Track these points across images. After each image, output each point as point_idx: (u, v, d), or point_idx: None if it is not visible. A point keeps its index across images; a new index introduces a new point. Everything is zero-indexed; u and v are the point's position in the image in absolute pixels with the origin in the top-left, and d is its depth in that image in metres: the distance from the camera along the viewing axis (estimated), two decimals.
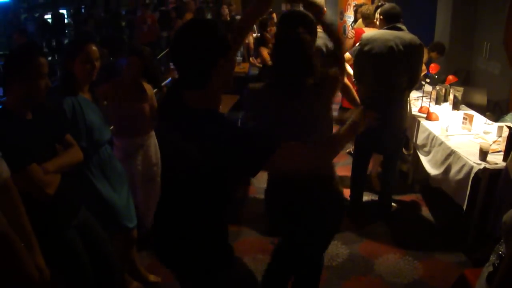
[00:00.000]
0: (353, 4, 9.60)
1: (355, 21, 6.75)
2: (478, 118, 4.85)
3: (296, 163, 1.87)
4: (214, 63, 1.80)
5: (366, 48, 4.28)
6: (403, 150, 5.35)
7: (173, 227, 2.09)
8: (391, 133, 4.43)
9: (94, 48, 2.96)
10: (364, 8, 5.79)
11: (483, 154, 3.87)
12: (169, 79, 6.56)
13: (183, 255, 2.07)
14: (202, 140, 1.77)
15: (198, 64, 1.81)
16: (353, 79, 4.88)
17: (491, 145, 4.03)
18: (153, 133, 3.89)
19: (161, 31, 11.00)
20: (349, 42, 5.68)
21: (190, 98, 1.89)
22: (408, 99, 4.65)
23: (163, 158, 2.15)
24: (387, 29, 4.26)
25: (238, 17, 10.97)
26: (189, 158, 1.85)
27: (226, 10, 9.69)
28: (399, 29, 4.23)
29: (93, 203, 2.91)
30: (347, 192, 5.03)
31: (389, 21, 4.29)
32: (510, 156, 3.34)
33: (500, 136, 4.24)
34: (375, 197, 5.03)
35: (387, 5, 4.42)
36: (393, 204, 4.87)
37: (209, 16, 11.84)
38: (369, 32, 4.51)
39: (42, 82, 2.39)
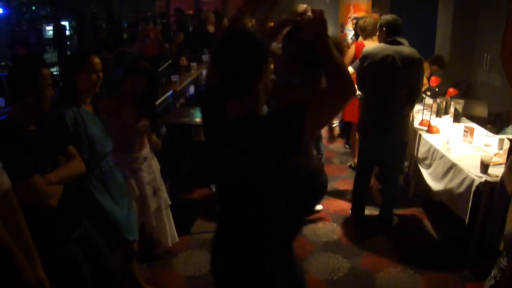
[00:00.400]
0: (353, 17, 9.64)
1: (356, 34, 6.75)
2: (479, 130, 4.84)
3: (329, 107, 1.88)
4: (260, 70, 1.85)
5: (365, 63, 4.31)
6: None
7: (235, 244, 2.11)
8: (392, 146, 4.44)
9: (97, 59, 3.00)
10: (361, 21, 5.80)
11: (484, 167, 3.86)
12: (171, 91, 6.58)
13: (243, 273, 2.10)
14: (249, 147, 1.88)
15: (246, 74, 1.85)
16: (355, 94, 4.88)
17: (492, 157, 4.02)
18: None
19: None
20: (348, 55, 5.70)
21: (233, 105, 1.93)
22: (411, 112, 4.65)
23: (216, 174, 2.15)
24: (387, 42, 4.28)
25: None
26: (243, 167, 1.92)
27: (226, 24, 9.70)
28: (399, 43, 4.24)
29: (94, 216, 2.91)
30: (348, 205, 5.04)
31: (391, 34, 4.29)
32: (505, 168, 3.34)
33: (501, 149, 4.23)
34: (376, 211, 5.02)
35: (390, 18, 4.38)
36: (394, 217, 4.85)
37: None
38: (369, 47, 4.52)
39: (48, 92, 2.44)
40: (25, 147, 2.35)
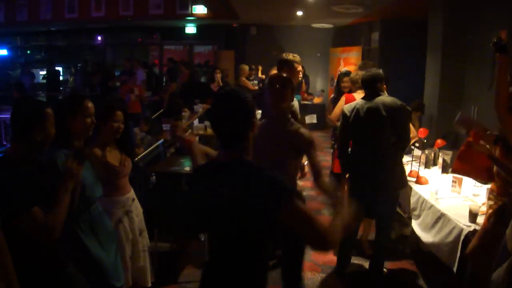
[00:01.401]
0: (343, 70, 9.79)
1: (337, 87, 6.73)
2: (467, 181, 4.87)
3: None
4: (252, 124, 2.06)
5: (350, 119, 4.36)
6: (402, 213, 5.33)
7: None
8: (383, 197, 4.41)
9: (91, 104, 3.06)
10: (353, 74, 5.92)
11: (473, 216, 3.88)
12: (162, 140, 6.61)
13: None
14: (242, 192, 1.96)
15: (242, 129, 2.05)
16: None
17: (480, 207, 4.04)
18: None
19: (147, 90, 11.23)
20: (338, 106, 5.76)
21: (226, 156, 2.08)
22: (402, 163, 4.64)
23: (206, 218, 2.19)
24: (368, 96, 4.35)
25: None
26: (232, 210, 2.00)
27: (219, 76, 9.81)
28: (378, 94, 4.31)
29: (81, 260, 2.86)
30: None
31: (367, 88, 4.39)
32: (510, 227, 3.29)
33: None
34: (365, 262, 4.97)
35: (364, 74, 4.46)
36: (384, 269, 4.80)
37: (203, 79, 12.02)
38: (348, 105, 4.53)
39: (52, 130, 2.55)
40: (23, 184, 2.37)
